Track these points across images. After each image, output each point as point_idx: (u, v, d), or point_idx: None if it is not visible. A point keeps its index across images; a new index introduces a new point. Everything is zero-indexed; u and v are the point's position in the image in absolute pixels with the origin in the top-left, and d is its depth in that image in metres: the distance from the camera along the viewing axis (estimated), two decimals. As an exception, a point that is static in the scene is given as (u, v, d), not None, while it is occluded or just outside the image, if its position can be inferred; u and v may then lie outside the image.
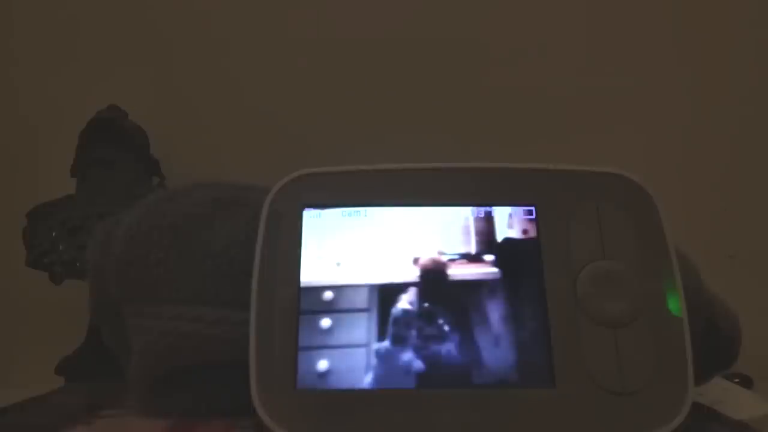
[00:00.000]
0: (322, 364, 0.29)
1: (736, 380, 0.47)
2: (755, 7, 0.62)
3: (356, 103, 0.62)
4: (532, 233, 0.31)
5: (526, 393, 0.28)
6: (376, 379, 0.29)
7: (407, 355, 0.29)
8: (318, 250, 0.31)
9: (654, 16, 0.63)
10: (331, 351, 0.29)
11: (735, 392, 0.43)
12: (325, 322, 0.30)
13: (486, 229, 0.31)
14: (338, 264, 0.31)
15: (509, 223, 0.31)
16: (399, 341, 0.29)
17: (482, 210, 0.32)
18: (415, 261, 0.31)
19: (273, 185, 0.32)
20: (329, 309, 0.30)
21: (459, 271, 0.31)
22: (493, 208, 0.32)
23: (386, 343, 0.29)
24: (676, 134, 0.62)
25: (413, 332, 0.29)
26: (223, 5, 0.63)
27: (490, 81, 0.62)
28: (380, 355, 0.29)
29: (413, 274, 0.30)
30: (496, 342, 0.29)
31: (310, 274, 0.30)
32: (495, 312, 0.30)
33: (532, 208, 0.31)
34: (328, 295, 0.30)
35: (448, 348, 0.29)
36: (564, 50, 0.62)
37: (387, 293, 0.30)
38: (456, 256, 0.31)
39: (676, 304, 0.29)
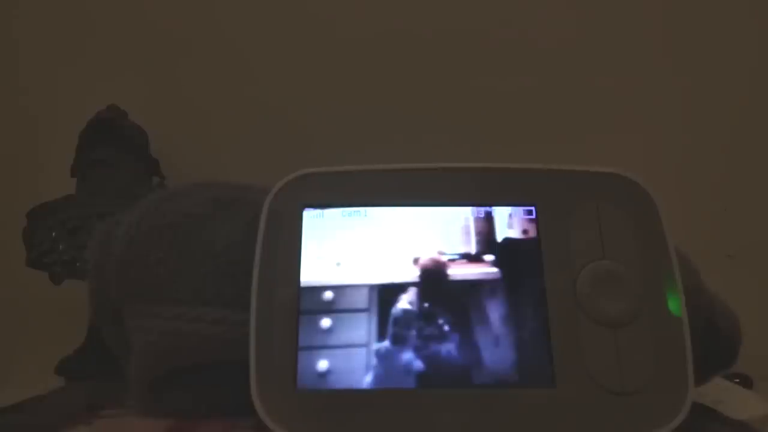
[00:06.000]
0: (322, 364, 0.29)
1: (736, 380, 0.46)
2: (755, 7, 0.62)
3: (357, 103, 0.62)
4: (532, 233, 0.31)
5: (526, 393, 0.28)
6: (376, 379, 0.29)
7: (407, 355, 0.29)
8: (318, 250, 0.31)
9: (654, 16, 0.63)
10: (331, 351, 0.29)
11: (735, 392, 0.43)
12: (325, 322, 0.30)
13: (486, 229, 0.31)
14: (338, 264, 0.31)
15: (509, 223, 0.31)
16: (399, 341, 0.29)
17: (482, 210, 0.32)
18: (415, 261, 0.31)
19: (273, 185, 0.32)
20: (329, 309, 0.30)
21: (459, 271, 0.31)
22: (493, 208, 0.32)
23: (386, 343, 0.29)
24: (676, 134, 0.62)
25: (413, 332, 0.29)
26: (224, 6, 0.63)
27: (491, 81, 0.62)
28: (380, 355, 0.29)
29: (413, 274, 0.30)
30: (496, 342, 0.29)
31: (310, 274, 0.30)
32: (495, 312, 0.30)
33: (532, 208, 0.31)
34: (328, 295, 0.30)
35: (448, 348, 0.29)
36: (564, 50, 0.62)
37: (387, 293, 0.30)
38: (456, 256, 0.31)
39: (676, 304, 0.29)
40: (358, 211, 0.32)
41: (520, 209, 0.32)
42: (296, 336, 0.29)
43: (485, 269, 0.31)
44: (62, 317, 0.54)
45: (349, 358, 0.29)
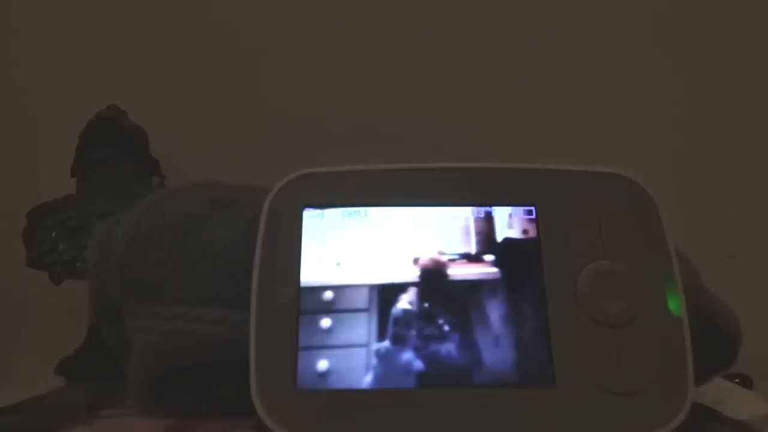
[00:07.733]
0: (322, 364, 0.29)
1: (736, 380, 0.46)
2: (752, 6, 0.62)
3: (357, 103, 0.62)
4: (532, 233, 0.31)
5: (526, 393, 0.28)
6: (376, 379, 0.29)
7: (407, 355, 0.29)
8: (318, 250, 0.31)
9: (653, 16, 0.63)
10: (331, 351, 0.29)
11: (735, 392, 0.43)
12: (325, 322, 0.30)
13: (486, 229, 0.31)
14: (338, 264, 0.31)
15: (509, 223, 0.31)
16: (399, 341, 0.29)
17: (482, 210, 0.32)
18: (415, 261, 0.31)
19: (273, 185, 0.32)
20: (329, 309, 0.30)
21: (459, 271, 0.31)
22: (493, 208, 0.32)
23: (386, 343, 0.29)
24: (676, 134, 0.62)
25: (413, 332, 0.29)
26: (224, 6, 0.63)
27: (490, 81, 0.62)
28: (380, 355, 0.29)
29: (413, 274, 0.30)
30: (496, 342, 0.29)
31: (310, 274, 0.30)
32: (495, 312, 0.30)
33: (532, 208, 0.31)
34: (328, 295, 0.30)
35: (448, 348, 0.29)
36: (564, 50, 0.62)
37: (387, 293, 0.30)
38: (456, 256, 0.31)
39: (676, 304, 0.29)
40: (358, 211, 0.32)
41: (520, 209, 0.32)
42: (296, 336, 0.29)
43: (485, 269, 0.31)
44: (62, 317, 0.54)
45: (349, 358, 0.29)
